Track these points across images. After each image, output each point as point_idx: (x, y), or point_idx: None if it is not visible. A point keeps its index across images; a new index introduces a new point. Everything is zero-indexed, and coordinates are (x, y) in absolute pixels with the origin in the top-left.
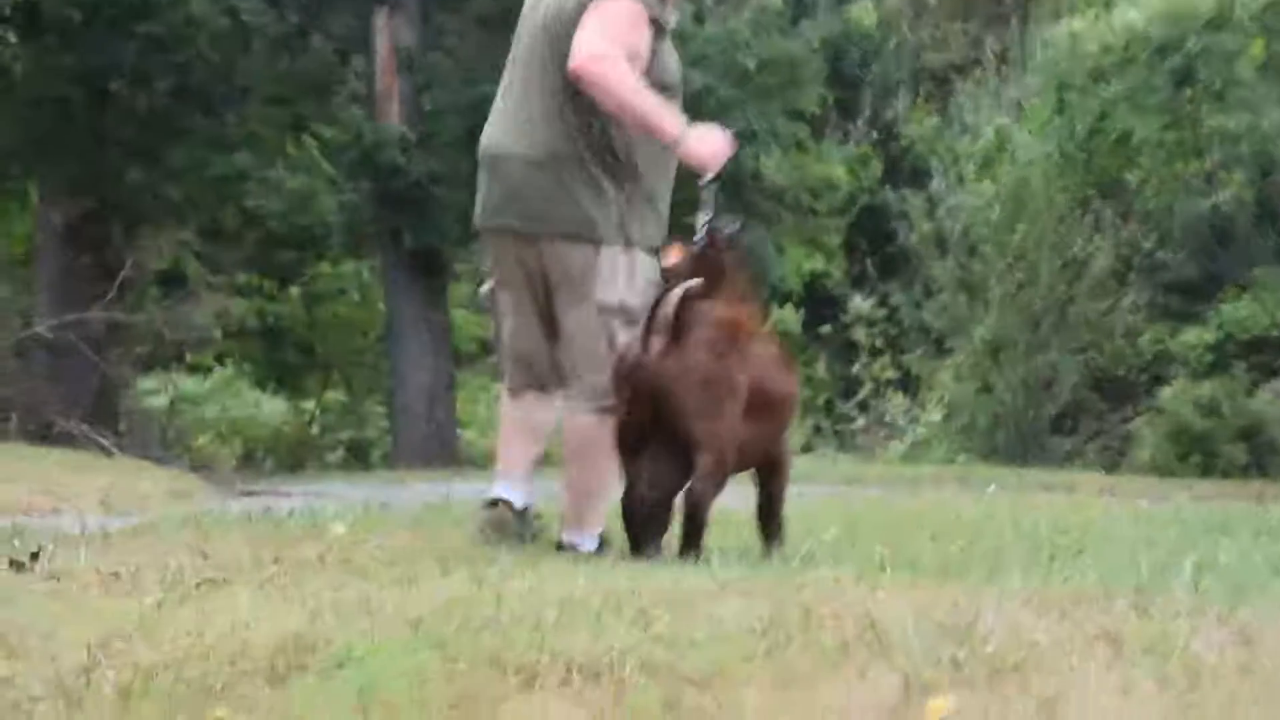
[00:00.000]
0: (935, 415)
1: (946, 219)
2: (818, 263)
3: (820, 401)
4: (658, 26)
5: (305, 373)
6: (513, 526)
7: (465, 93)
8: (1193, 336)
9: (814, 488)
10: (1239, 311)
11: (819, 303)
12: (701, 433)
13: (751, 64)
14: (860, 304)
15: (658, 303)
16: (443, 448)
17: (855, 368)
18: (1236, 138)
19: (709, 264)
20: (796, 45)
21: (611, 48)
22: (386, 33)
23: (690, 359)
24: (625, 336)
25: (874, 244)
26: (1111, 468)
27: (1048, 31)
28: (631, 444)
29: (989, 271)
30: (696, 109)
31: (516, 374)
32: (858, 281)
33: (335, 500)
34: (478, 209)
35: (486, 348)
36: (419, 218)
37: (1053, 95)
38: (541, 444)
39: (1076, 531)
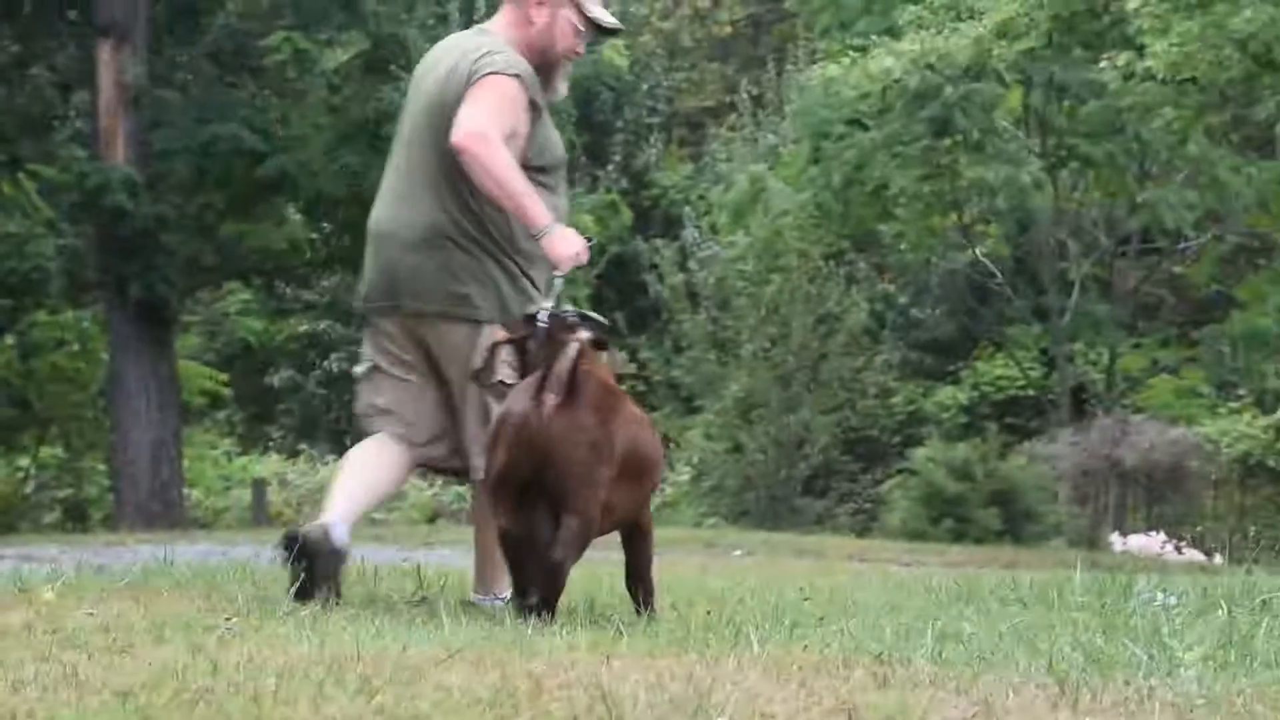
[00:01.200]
0: (684, 476)
1: (698, 271)
2: None
3: None
4: (536, 107)
5: (20, 428)
6: (320, 547)
7: (197, 132)
8: (946, 396)
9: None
10: (993, 370)
11: None
12: (576, 497)
13: None
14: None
15: (551, 360)
16: (167, 508)
17: None
18: (994, 190)
19: (550, 349)
20: None
21: (492, 127)
22: (112, 67)
23: (581, 421)
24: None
25: (623, 296)
26: (863, 531)
27: (804, 76)
28: (512, 494)
29: (741, 326)
30: None
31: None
32: None
33: (47, 563)
34: (363, 288)
35: (217, 402)
36: (146, 265)
37: (808, 143)
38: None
39: (822, 598)
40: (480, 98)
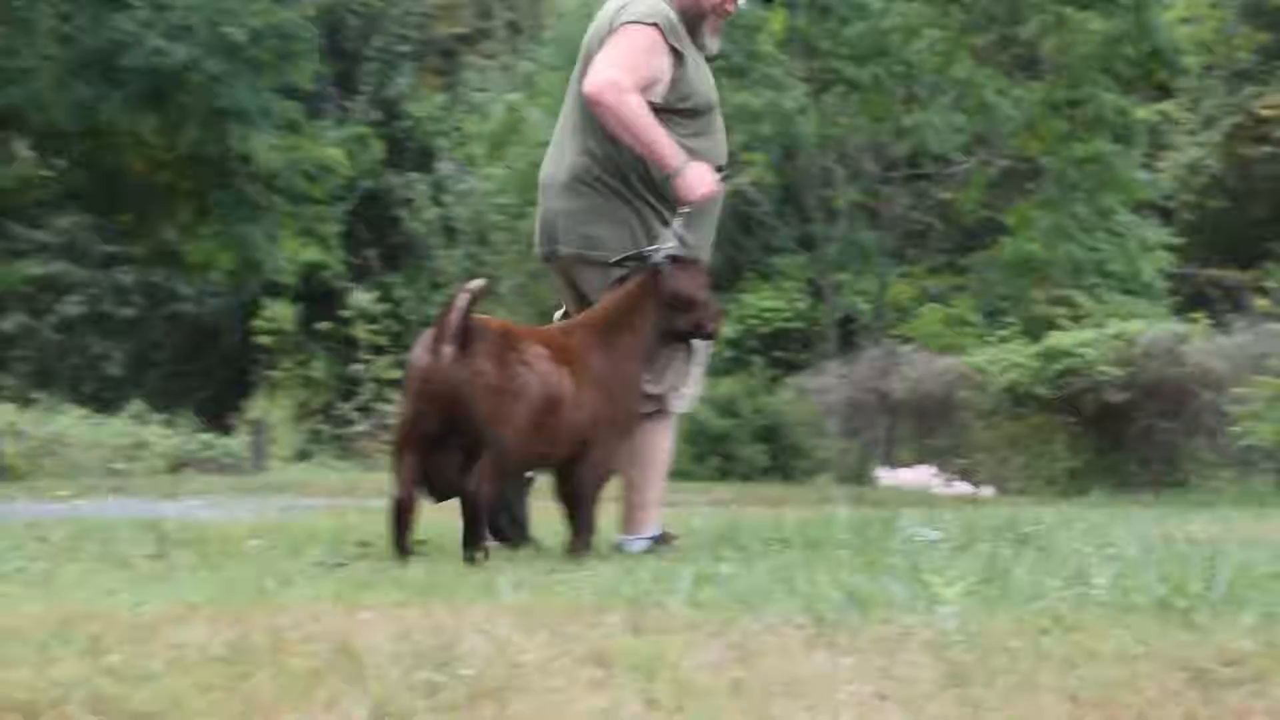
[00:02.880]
0: None
1: (455, 205)
2: (315, 254)
3: (317, 404)
4: (678, 54)
5: None
6: None
7: None
8: None
9: (307, 500)
10: (759, 302)
11: (316, 297)
12: (488, 435)
13: (241, 35)
14: (361, 298)
15: (446, 310)
16: None
17: (356, 367)
18: (758, 117)
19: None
20: (289, 15)
21: (625, 74)
22: None
23: (479, 366)
24: None
25: (376, 233)
26: None
27: (561, 0)
28: (413, 444)
29: (500, 262)
30: (180, 86)
31: None
32: (359, 274)
33: None
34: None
35: None
36: None
37: (567, 69)
38: None
39: None
40: (614, 46)
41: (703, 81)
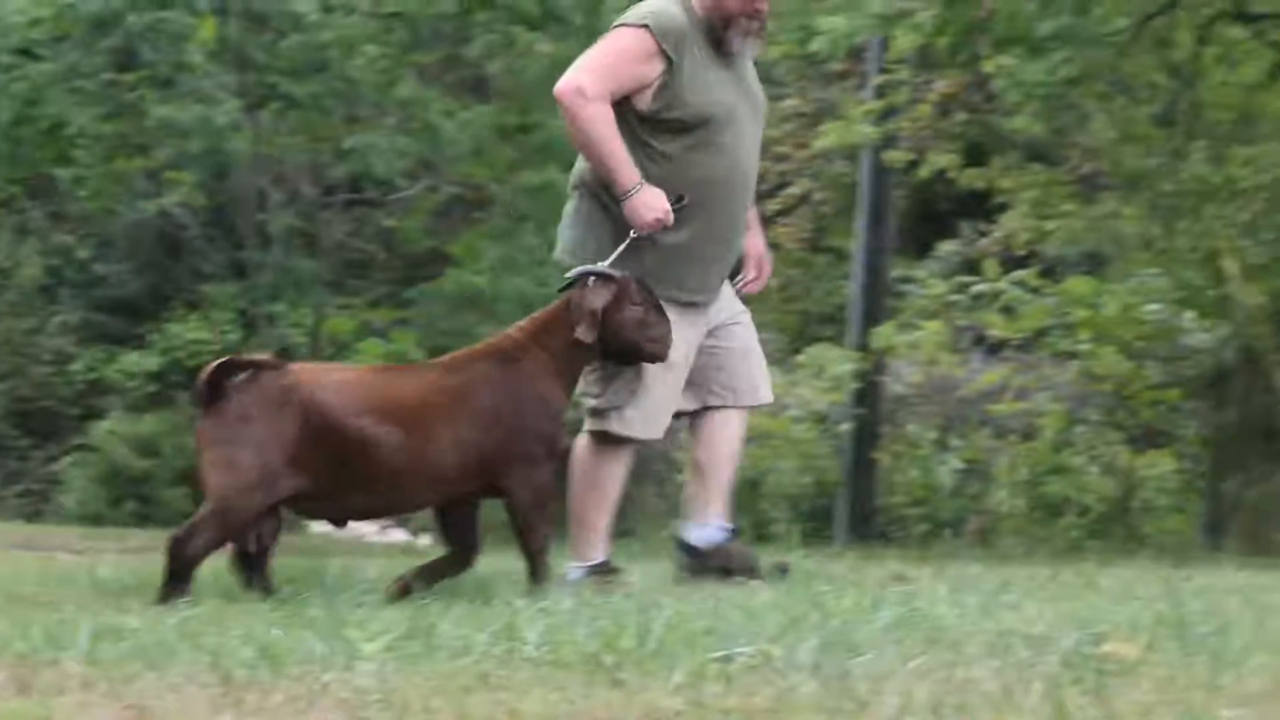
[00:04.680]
0: None
1: None
2: None
3: None
4: (668, 59)
5: None
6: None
7: None
8: (131, 363)
9: None
10: (186, 333)
11: None
12: (209, 484)
13: None
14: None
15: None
16: None
17: None
18: (186, 133)
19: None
20: None
21: (594, 80)
22: None
23: (210, 422)
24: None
25: None
26: (34, 516)
27: None
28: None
29: None
30: None
31: None
32: None
33: None
34: None
35: None
36: None
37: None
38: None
39: None
40: (594, 49)
41: (705, 91)
